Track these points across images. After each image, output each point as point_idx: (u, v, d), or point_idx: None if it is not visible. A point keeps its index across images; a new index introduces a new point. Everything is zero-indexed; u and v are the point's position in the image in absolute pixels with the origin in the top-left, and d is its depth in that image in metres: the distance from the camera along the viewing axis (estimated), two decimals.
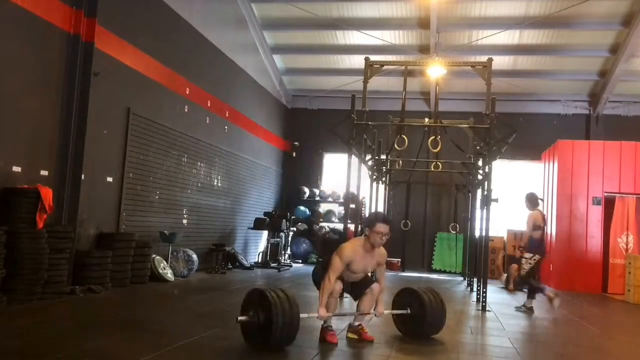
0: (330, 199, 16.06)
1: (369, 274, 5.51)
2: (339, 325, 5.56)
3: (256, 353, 4.55)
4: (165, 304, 7.14)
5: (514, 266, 11.56)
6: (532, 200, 8.37)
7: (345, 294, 7.87)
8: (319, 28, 13.97)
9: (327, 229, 15.61)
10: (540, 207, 8.52)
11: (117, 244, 8.07)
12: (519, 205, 14.81)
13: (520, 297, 10.00)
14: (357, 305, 5.40)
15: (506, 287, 11.37)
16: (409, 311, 5.52)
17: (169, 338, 4.83)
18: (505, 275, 11.72)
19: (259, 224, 13.43)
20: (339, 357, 4.77)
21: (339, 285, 5.07)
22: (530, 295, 8.20)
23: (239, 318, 4.64)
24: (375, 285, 5.31)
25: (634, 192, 11.52)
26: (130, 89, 8.74)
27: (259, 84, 14.31)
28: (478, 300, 8.35)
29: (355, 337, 5.31)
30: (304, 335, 5.18)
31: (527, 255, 8.14)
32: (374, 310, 5.35)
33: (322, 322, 5.17)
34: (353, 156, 8.87)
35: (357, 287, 5.37)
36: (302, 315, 4.68)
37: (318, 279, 5.24)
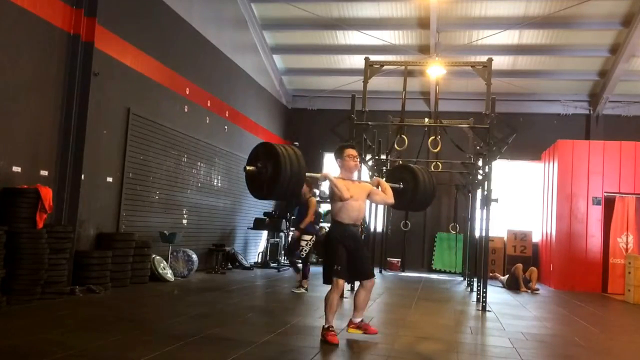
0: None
1: (368, 267, 5.47)
2: (339, 325, 5.56)
3: (255, 352, 4.55)
4: (165, 304, 7.14)
5: (519, 266, 11.56)
6: (310, 186, 9.14)
7: (345, 296, 7.95)
8: (319, 28, 13.97)
9: (327, 229, 15.60)
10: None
11: (117, 244, 8.07)
12: (519, 205, 14.94)
13: (522, 297, 10.00)
14: (354, 299, 5.43)
15: (509, 288, 11.33)
16: (401, 186, 5.73)
17: (169, 338, 4.83)
18: (507, 275, 11.71)
19: (258, 224, 13.43)
20: (338, 357, 4.77)
21: (341, 283, 5.10)
22: (305, 276, 8.90)
23: (247, 168, 4.66)
24: (367, 283, 5.32)
25: (634, 192, 11.53)
26: (130, 89, 8.74)
27: (259, 84, 14.31)
28: (478, 300, 8.35)
29: (360, 332, 5.34)
30: (304, 335, 5.19)
31: (307, 237, 8.82)
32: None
33: (323, 324, 5.17)
34: None
35: (354, 269, 5.28)
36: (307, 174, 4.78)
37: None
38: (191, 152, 10.75)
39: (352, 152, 5.34)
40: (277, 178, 4.46)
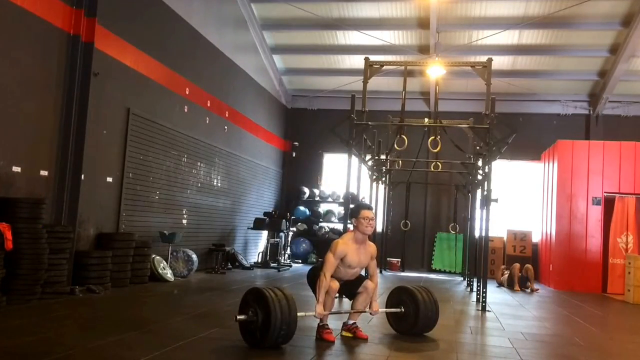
0: (330, 199, 16.06)
1: (362, 274, 5.53)
2: (337, 325, 5.56)
3: (255, 353, 4.55)
4: (165, 304, 7.14)
5: (516, 265, 11.57)
6: None
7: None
8: (319, 28, 13.97)
9: (327, 229, 15.62)
10: None
11: (117, 244, 8.07)
12: (518, 205, 14.94)
13: (522, 297, 10.00)
14: (352, 303, 5.44)
15: (509, 287, 11.33)
16: (402, 309, 5.58)
17: (169, 338, 4.83)
18: (507, 274, 11.71)
19: (258, 224, 13.43)
20: (337, 357, 4.77)
21: (335, 284, 5.11)
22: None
23: (238, 317, 4.67)
24: (368, 283, 5.35)
25: (634, 192, 11.52)
26: (130, 89, 8.74)
27: (258, 84, 14.31)
28: (478, 300, 8.35)
29: (350, 335, 5.34)
30: (302, 334, 5.19)
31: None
32: (369, 308, 5.39)
33: (318, 321, 5.19)
34: (353, 156, 8.87)
35: (351, 287, 5.38)
36: (299, 314, 4.70)
37: (312, 276, 5.31)
38: (191, 152, 10.75)
39: (368, 214, 5.17)
40: (269, 324, 4.45)
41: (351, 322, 5.39)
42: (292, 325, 4.58)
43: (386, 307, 5.73)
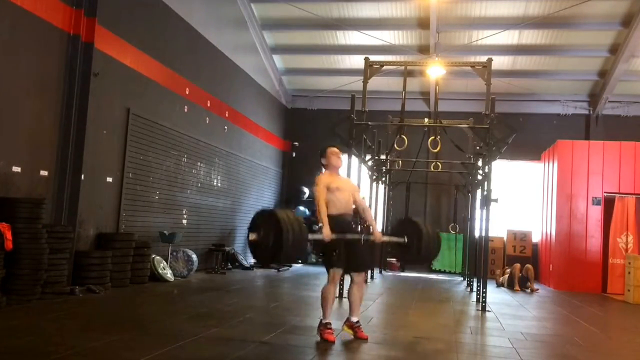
0: None
1: (361, 242, 5.41)
2: (337, 325, 5.56)
3: (255, 352, 4.55)
4: (165, 304, 7.14)
5: (517, 266, 11.56)
6: None
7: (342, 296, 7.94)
8: (319, 28, 13.97)
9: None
10: None
11: (117, 244, 8.07)
12: (518, 205, 14.94)
13: (522, 297, 10.00)
14: (348, 298, 5.46)
15: (510, 287, 11.34)
16: (405, 240, 5.64)
17: (169, 338, 4.83)
18: (508, 274, 11.70)
19: None
20: (337, 357, 4.77)
21: (333, 294, 5.26)
22: None
23: (250, 237, 4.70)
24: (358, 276, 5.38)
25: (634, 192, 11.52)
26: (130, 89, 8.74)
27: (258, 84, 14.31)
28: (478, 300, 8.35)
29: (350, 332, 5.34)
30: (302, 334, 5.19)
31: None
32: (371, 234, 5.46)
33: (321, 319, 5.18)
34: (353, 156, 8.87)
35: (350, 258, 5.28)
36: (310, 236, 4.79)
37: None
38: (191, 152, 10.74)
39: (334, 149, 5.55)
40: (280, 245, 4.51)
41: (354, 319, 5.38)
42: (303, 242, 4.66)
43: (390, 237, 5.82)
